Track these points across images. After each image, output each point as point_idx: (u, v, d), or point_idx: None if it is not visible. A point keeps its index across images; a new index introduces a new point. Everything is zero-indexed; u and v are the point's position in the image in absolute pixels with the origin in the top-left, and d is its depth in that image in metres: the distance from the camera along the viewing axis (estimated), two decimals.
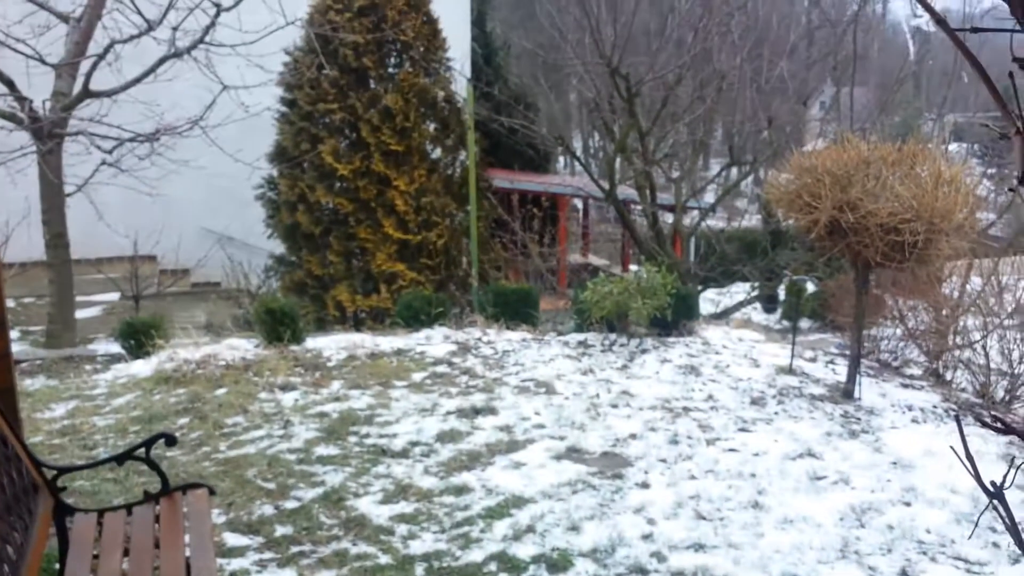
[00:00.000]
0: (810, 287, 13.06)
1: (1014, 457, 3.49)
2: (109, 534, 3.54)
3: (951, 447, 2.69)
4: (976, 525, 4.26)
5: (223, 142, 10.26)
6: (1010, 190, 5.53)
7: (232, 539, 4.15)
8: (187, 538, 3.44)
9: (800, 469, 5.03)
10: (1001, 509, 2.09)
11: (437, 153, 12.09)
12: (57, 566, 3.56)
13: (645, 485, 4.80)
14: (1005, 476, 2.11)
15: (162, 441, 3.85)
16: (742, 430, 5.67)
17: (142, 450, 3.82)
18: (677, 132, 15.10)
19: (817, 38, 22.43)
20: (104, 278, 11.60)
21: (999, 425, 1.85)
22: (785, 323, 12.81)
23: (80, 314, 10.57)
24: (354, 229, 11.13)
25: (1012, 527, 2.11)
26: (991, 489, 2.13)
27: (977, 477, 2.20)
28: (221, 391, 6.32)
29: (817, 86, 19.62)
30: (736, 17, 14.41)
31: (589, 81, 14.46)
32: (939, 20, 1.80)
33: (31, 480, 3.57)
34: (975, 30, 1.87)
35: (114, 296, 12.13)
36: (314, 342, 7.77)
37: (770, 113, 13.89)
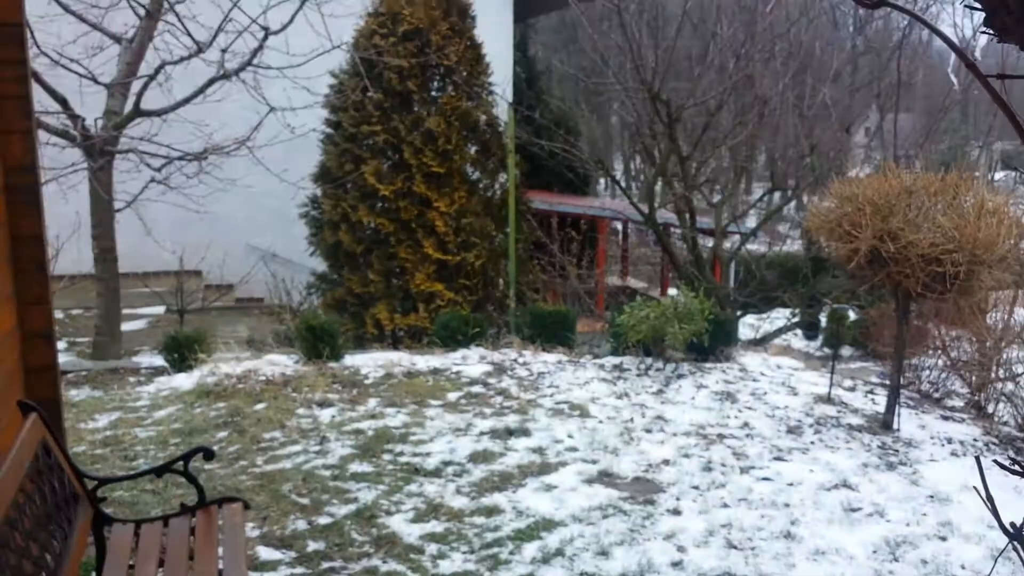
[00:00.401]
0: (851, 315, 12.89)
1: None
2: (145, 545, 3.63)
3: (974, 487, 2.65)
4: (995, 564, 4.18)
5: (269, 162, 10.49)
6: None
7: (265, 553, 4.21)
8: (220, 551, 3.51)
9: (835, 500, 4.97)
10: (1021, 550, 2.07)
11: (477, 175, 12.19)
12: (94, 575, 3.66)
13: (676, 512, 4.78)
14: None
15: (200, 455, 3.95)
16: (777, 459, 5.62)
17: (180, 463, 3.92)
18: (718, 157, 15.07)
19: (861, 64, 22.27)
20: (150, 292, 11.87)
21: (1018, 468, 1.81)
22: (825, 351, 12.64)
23: (126, 327, 10.82)
24: (394, 249, 11.26)
25: None
26: (1011, 530, 2.12)
27: (997, 517, 2.19)
28: (260, 406, 6.43)
29: (861, 112, 19.45)
30: (779, 43, 14.37)
31: (630, 106, 14.51)
32: (970, 64, 1.82)
33: (72, 490, 3.67)
34: (1002, 76, 1.89)
35: (160, 310, 12.39)
36: (352, 359, 7.87)
37: (813, 139, 13.81)
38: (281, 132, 10.33)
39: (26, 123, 3.79)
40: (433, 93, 11.88)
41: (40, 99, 9.22)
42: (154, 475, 3.89)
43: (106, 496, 3.87)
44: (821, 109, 15.31)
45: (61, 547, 3.29)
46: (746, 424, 6.30)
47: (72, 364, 8.45)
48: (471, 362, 7.87)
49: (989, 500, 2.12)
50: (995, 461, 1.73)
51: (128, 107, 10.13)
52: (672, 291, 15.08)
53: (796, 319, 13.81)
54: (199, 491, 3.87)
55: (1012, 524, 2.06)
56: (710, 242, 14.10)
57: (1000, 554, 4.29)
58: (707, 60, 13.95)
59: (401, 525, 4.55)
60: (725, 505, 4.88)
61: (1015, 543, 2.06)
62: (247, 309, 13.09)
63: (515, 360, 7.97)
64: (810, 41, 17.17)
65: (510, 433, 5.95)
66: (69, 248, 10.36)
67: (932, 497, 5.05)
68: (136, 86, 10.17)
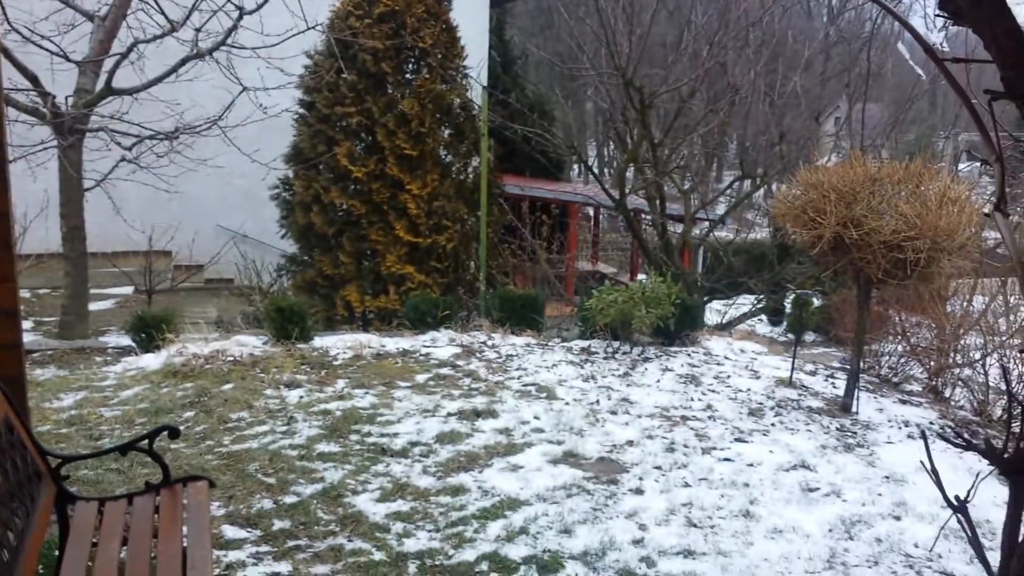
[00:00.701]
0: (815, 301, 13.09)
1: (979, 472, 3.54)
2: (109, 523, 3.64)
3: (920, 461, 2.75)
4: (939, 534, 4.33)
5: (241, 142, 10.42)
6: (986, 215, 5.57)
7: (231, 531, 4.24)
8: (185, 529, 3.53)
9: (793, 480, 5.09)
10: (964, 522, 2.17)
11: (450, 158, 12.20)
12: (57, 553, 3.67)
13: (639, 491, 4.87)
14: (970, 491, 2.18)
15: (166, 433, 3.96)
16: (738, 440, 5.73)
17: (145, 442, 3.93)
18: (690, 144, 15.17)
19: (833, 54, 22.46)
20: (119, 272, 11.77)
21: (961, 441, 1.90)
22: (789, 336, 12.83)
23: (94, 306, 10.73)
24: (366, 231, 11.25)
25: (973, 539, 2.18)
26: (955, 503, 2.21)
27: (941, 489, 2.28)
28: (228, 386, 6.43)
29: (831, 102, 19.64)
30: (752, 31, 14.46)
31: (604, 92, 14.55)
32: (927, 49, 1.88)
33: (35, 468, 3.67)
34: (956, 60, 1.96)
35: (128, 290, 12.30)
36: (321, 341, 7.88)
37: (783, 127, 13.94)
38: (254, 113, 10.26)
39: None
40: (407, 75, 11.85)
41: (10, 76, 9.12)
42: (118, 453, 3.91)
43: (70, 474, 3.87)
44: (792, 98, 15.45)
45: (23, 525, 3.29)
46: (709, 406, 6.41)
47: (38, 343, 8.39)
48: (440, 344, 7.91)
49: (934, 472, 2.20)
50: (939, 434, 1.81)
51: (99, 85, 10.02)
52: (641, 276, 15.21)
53: (761, 305, 13.99)
54: (164, 469, 3.88)
55: (956, 497, 2.14)
56: (679, 228, 14.22)
57: (944, 525, 4.43)
58: (681, 47, 14.02)
59: (367, 504, 4.59)
60: (686, 485, 4.98)
61: (959, 515, 2.15)
62: (216, 290, 13.04)
63: (484, 343, 8.02)
64: (783, 30, 17.30)
65: (477, 414, 6.00)
66: (37, 226, 10.26)
67: (888, 478, 5.19)
68: (108, 64, 10.06)
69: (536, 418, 5.98)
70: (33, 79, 9.44)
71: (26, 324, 9.14)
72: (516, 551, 4.14)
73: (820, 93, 18.54)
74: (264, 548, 4.11)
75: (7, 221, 3.91)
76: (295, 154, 11.82)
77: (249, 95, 10.05)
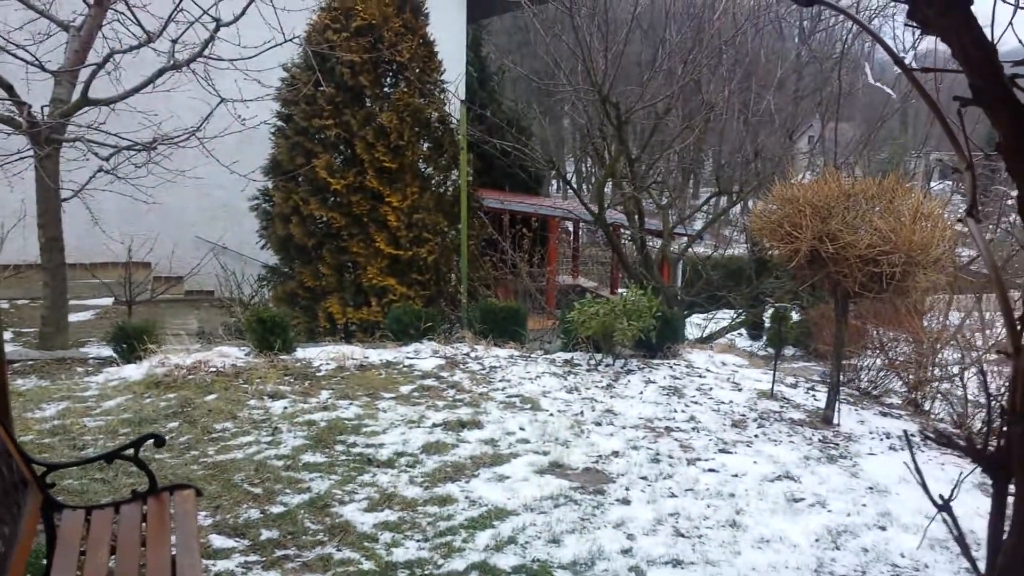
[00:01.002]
0: (794, 315, 13.25)
1: (962, 471, 3.62)
2: (96, 531, 3.60)
3: (904, 462, 2.80)
4: (924, 535, 4.40)
5: (219, 154, 10.35)
6: (959, 220, 5.70)
7: (218, 541, 4.21)
8: (173, 538, 3.51)
9: (778, 491, 5.14)
10: (949, 521, 2.22)
11: (430, 171, 12.23)
12: (44, 561, 3.62)
13: (626, 501, 4.90)
14: (953, 490, 2.24)
15: (151, 443, 3.93)
16: (722, 451, 5.78)
17: (131, 450, 3.90)
18: (667, 160, 15.32)
19: (805, 74, 22.82)
20: (98, 283, 11.63)
21: (943, 439, 1.94)
22: (769, 350, 12.95)
23: (73, 317, 10.59)
24: (347, 243, 11.23)
25: (959, 538, 2.23)
26: (939, 502, 2.26)
27: (925, 489, 2.34)
28: (211, 397, 6.39)
29: (804, 120, 19.95)
30: (726, 50, 14.67)
31: (581, 108, 14.67)
32: (897, 60, 1.94)
33: (20, 476, 3.63)
34: (925, 70, 2.02)
35: (107, 301, 12.15)
36: (304, 352, 7.85)
37: (757, 145, 14.12)
38: (232, 124, 10.20)
39: None
40: (386, 89, 11.87)
41: None
42: (104, 462, 3.86)
43: (55, 483, 3.83)
44: (765, 116, 15.68)
45: (10, 532, 3.25)
46: (692, 418, 6.47)
47: (18, 354, 8.26)
48: (424, 356, 7.91)
49: (917, 472, 2.26)
50: (922, 435, 1.85)
51: (76, 95, 9.92)
52: (622, 290, 15.29)
53: (740, 319, 14.12)
54: (150, 477, 3.85)
55: (941, 496, 2.20)
56: (658, 243, 14.34)
57: (929, 524, 4.49)
58: (656, 65, 14.17)
59: (355, 514, 4.58)
60: (672, 495, 5.01)
61: (944, 514, 2.20)
62: (196, 302, 12.92)
63: (467, 354, 8.03)
64: (755, 50, 17.56)
65: (463, 425, 6.01)
66: (14, 237, 10.13)
67: (871, 488, 5.26)
68: (84, 74, 9.96)
69: (521, 429, 6.00)
70: (8, 88, 9.34)
71: (6, 335, 8.99)
72: (505, 560, 4.14)
73: (793, 112, 18.83)
74: (253, 557, 4.08)
75: None
76: (274, 166, 11.78)
77: (227, 107, 10.00)
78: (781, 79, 19.33)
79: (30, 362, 7.87)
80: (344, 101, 11.50)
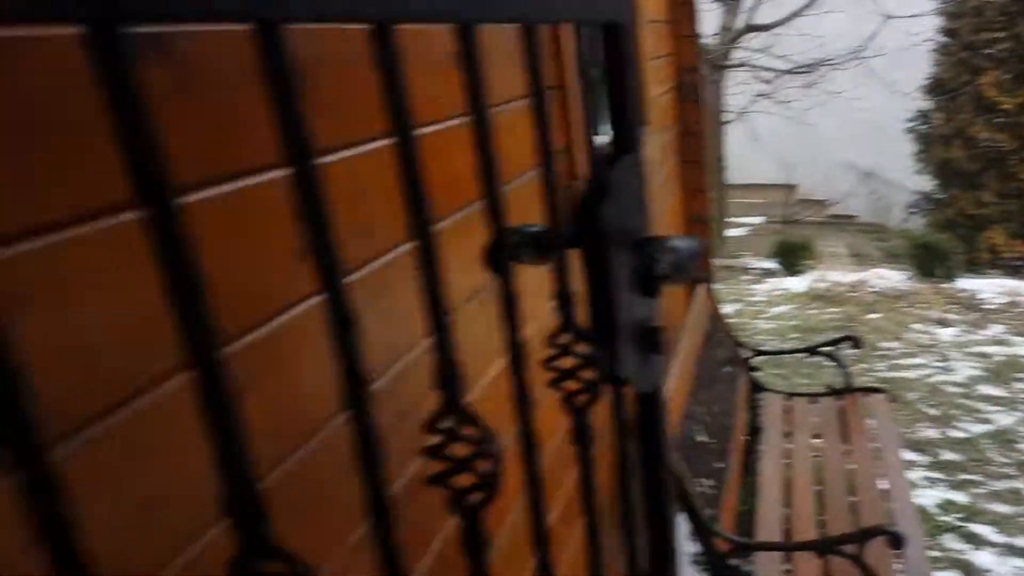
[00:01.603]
0: None
1: None
2: (799, 415, 3.95)
3: None
4: None
5: (874, 75, 10.12)
6: None
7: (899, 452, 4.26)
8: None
9: None
10: None
11: None
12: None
13: None
14: None
15: (848, 342, 4.15)
16: None
17: (830, 347, 4.17)
18: None
19: None
20: (749, 202, 12.47)
21: None
22: None
23: (727, 233, 11.56)
24: (1015, 168, 10.10)
25: None
26: None
27: None
28: (874, 315, 6.42)
29: None
30: None
31: None
32: None
33: (736, 355, 4.16)
34: None
35: (757, 220, 12.93)
36: (967, 283, 7.37)
37: None
38: (886, 44, 9.84)
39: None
40: None
41: None
42: (807, 354, 4.19)
43: (758, 368, 4.27)
44: None
45: (729, 402, 3.75)
46: None
47: None
48: None
49: None
50: None
51: (740, 23, 10.59)
52: None
53: None
54: (846, 376, 4.08)
55: None
56: None
57: None
58: None
59: None
60: None
61: None
62: (842, 225, 12.95)
63: None
64: None
65: None
66: None
67: None
68: (748, 2, 10.56)
69: None
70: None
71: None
72: None
73: None
74: (936, 475, 4.06)
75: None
76: (935, 85, 11.08)
77: (888, 24, 9.63)
78: None
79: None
80: (1018, 11, 10.22)
